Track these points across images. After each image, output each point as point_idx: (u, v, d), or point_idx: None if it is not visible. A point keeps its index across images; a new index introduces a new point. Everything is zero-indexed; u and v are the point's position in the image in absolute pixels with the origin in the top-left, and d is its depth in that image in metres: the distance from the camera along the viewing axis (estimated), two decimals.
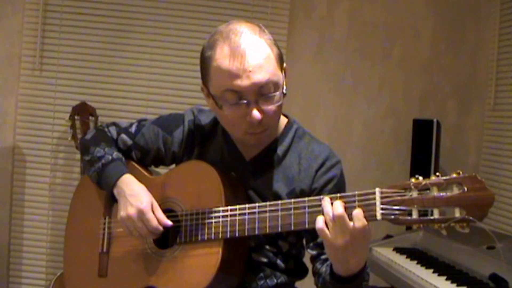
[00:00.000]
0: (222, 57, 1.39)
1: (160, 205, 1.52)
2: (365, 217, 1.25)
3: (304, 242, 1.58)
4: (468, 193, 1.19)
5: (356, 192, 1.29)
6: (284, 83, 1.45)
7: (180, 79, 3.08)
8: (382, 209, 1.25)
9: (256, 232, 1.41)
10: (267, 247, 1.54)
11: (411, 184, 1.24)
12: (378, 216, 1.26)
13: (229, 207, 1.44)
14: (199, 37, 2.95)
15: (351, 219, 1.25)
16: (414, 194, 1.23)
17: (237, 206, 1.43)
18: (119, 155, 1.61)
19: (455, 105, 3.28)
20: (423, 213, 1.23)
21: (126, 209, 1.50)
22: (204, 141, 1.60)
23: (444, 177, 1.21)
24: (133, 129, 1.65)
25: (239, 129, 1.45)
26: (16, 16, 3.01)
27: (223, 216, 1.44)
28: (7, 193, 3.04)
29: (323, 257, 1.49)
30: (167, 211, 1.52)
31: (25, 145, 3.05)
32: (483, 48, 3.26)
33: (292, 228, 1.37)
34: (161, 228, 1.49)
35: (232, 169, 1.55)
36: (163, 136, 1.61)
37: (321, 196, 1.33)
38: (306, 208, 1.34)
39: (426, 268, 2.25)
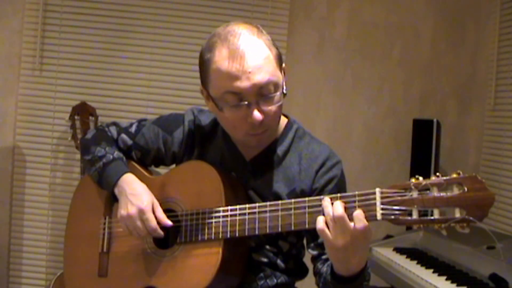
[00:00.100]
0: (221, 59, 1.39)
1: (160, 205, 1.52)
2: (365, 217, 1.25)
3: (304, 242, 1.59)
4: (468, 193, 1.19)
5: (356, 192, 1.29)
6: (284, 83, 1.45)
7: (180, 79, 3.08)
8: (382, 209, 1.25)
9: (256, 232, 1.41)
10: (267, 247, 1.54)
11: (411, 184, 1.24)
12: (378, 216, 1.26)
13: (229, 207, 1.44)
14: (199, 37, 2.95)
15: (351, 219, 1.26)
16: (414, 194, 1.23)
17: (237, 206, 1.43)
18: (120, 155, 1.61)
19: (455, 105, 3.28)
20: (423, 213, 1.23)
21: (127, 208, 1.50)
22: (204, 141, 1.60)
23: (444, 177, 1.21)
24: (133, 129, 1.65)
25: (240, 131, 1.45)
26: (16, 16, 3.01)
27: (223, 216, 1.44)
28: (7, 193, 3.03)
29: (323, 257, 1.49)
30: (167, 211, 1.52)
31: (25, 145, 3.04)
32: (483, 48, 3.25)
33: (292, 228, 1.37)
34: (160, 230, 1.49)
35: (232, 169, 1.55)
36: (163, 136, 1.61)
37: (322, 196, 1.33)
38: (306, 208, 1.35)
39: (426, 268, 2.25)
